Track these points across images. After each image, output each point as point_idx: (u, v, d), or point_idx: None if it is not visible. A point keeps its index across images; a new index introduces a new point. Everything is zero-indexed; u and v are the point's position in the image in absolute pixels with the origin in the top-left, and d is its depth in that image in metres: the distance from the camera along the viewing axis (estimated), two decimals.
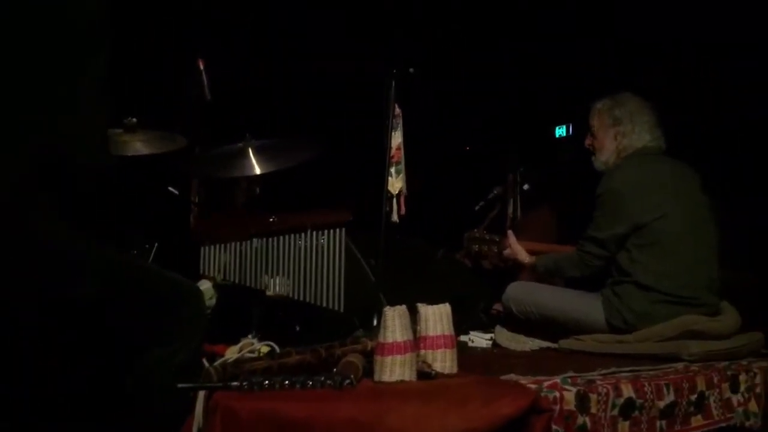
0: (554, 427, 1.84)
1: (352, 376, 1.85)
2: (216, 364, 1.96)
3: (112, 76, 1.68)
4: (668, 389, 2.12)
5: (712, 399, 2.24)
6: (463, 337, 3.06)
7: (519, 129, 4.69)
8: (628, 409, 2.01)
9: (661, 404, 2.09)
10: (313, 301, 2.81)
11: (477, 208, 4.16)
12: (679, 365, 2.41)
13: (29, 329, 1.66)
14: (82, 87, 1.59)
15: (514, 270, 3.42)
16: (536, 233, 3.71)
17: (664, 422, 2.09)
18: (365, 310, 2.88)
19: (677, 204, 2.77)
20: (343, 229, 2.82)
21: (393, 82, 2.95)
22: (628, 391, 2.03)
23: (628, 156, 2.91)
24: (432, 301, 2.18)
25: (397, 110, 2.96)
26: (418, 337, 2.09)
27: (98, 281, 1.70)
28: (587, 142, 3.05)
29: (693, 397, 2.19)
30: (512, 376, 2.07)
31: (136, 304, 1.80)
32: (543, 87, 4.58)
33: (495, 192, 4.12)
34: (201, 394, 1.82)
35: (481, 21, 4.49)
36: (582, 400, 1.93)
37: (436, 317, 2.10)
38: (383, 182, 2.92)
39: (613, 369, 2.24)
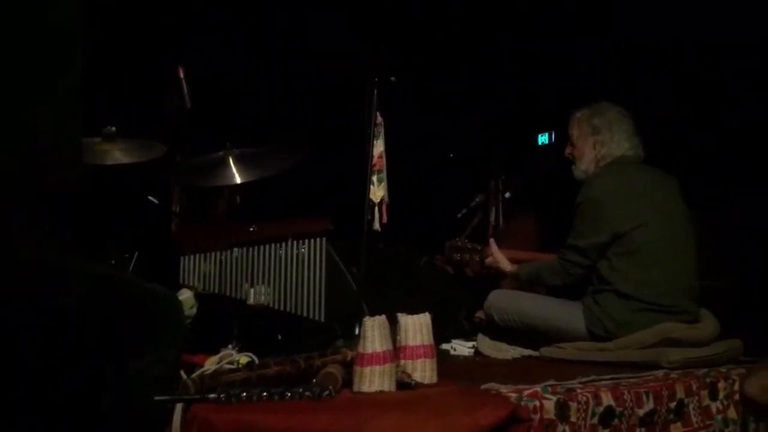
0: None
1: (331, 387, 1.84)
2: (194, 375, 1.94)
3: (91, 84, 1.67)
4: (647, 397, 2.13)
5: (691, 406, 2.25)
6: (445, 345, 3.07)
7: (501, 136, 4.70)
8: (607, 417, 2.02)
9: (641, 412, 2.10)
10: (294, 311, 2.80)
11: (459, 215, 4.16)
12: (659, 373, 2.42)
13: (3, 341, 1.64)
14: (55, 96, 1.57)
15: (496, 278, 3.43)
16: (518, 241, 3.72)
17: (643, 430, 2.09)
18: (347, 319, 2.87)
19: (656, 212, 2.79)
20: (324, 239, 2.81)
21: (374, 91, 2.95)
22: (607, 399, 2.04)
23: (607, 165, 2.93)
24: (414, 308, 2.17)
25: (379, 119, 2.97)
26: (397, 347, 2.08)
27: (74, 291, 1.68)
28: (567, 151, 3.07)
29: (672, 405, 2.19)
30: (493, 385, 2.07)
31: (112, 315, 1.78)
32: (527, 93, 4.60)
33: (477, 199, 4.12)
34: (178, 406, 1.81)
35: (464, 28, 4.50)
36: (562, 408, 1.93)
37: (416, 327, 2.09)
38: (365, 191, 2.92)
39: (592, 377, 2.24)
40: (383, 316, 2.00)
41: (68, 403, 1.72)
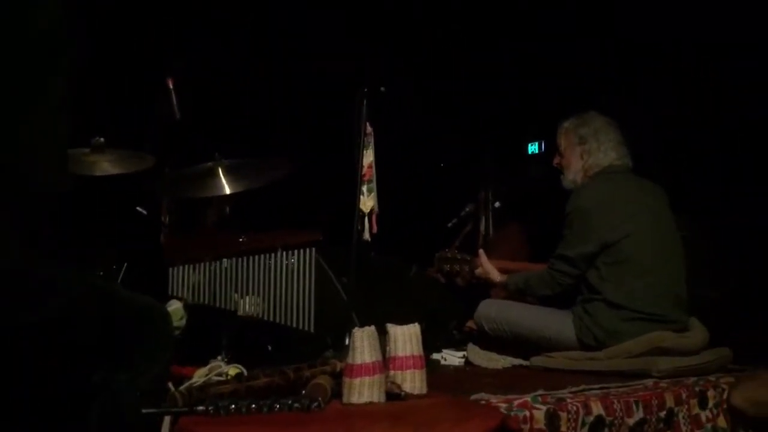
0: None
1: (320, 399, 1.84)
2: (182, 387, 1.93)
3: (80, 95, 1.66)
4: (637, 406, 2.14)
5: (681, 415, 2.26)
6: (435, 355, 3.06)
7: (491, 146, 4.71)
8: (597, 427, 2.02)
9: (631, 422, 2.10)
10: (283, 322, 2.79)
11: (450, 225, 4.17)
12: (649, 382, 2.43)
13: None
14: (40, 106, 1.56)
15: (486, 288, 3.43)
16: (508, 251, 3.72)
17: None
18: (337, 329, 2.86)
19: (644, 222, 2.80)
20: (314, 249, 2.81)
21: (364, 101, 2.95)
22: (597, 408, 2.04)
23: (595, 174, 2.94)
24: (405, 318, 2.17)
25: (369, 129, 2.97)
26: (387, 357, 2.08)
27: (58, 303, 1.66)
28: (555, 161, 3.09)
29: (662, 414, 2.20)
30: (483, 395, 2.07)
31: (99, 326, 1.77)
32: (516, 103, 4.61)
33: (467, 209, 4.13)
34: (166, 419, 1.79)
35: (455, 37, 4.51)
36: (552, 418, 1.93)
37: (406, 338, 2.09)
38: (355, 201, 2.92)
39: (582, 387, 2.25)
40: (372, 327, 1.99)
41: (51, 419, 1.70)
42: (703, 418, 2.32)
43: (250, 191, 3.06)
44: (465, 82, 4.61)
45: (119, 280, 2.98)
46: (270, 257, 2.82)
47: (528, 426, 1.87)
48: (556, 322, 2.86)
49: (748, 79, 3.51)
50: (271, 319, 2.81)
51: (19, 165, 1.54)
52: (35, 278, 1.64)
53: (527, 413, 1.89)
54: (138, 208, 3.16)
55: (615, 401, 2.09)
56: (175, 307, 2.84)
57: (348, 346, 2.04)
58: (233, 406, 1.78)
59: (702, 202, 3.47)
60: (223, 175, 3.02)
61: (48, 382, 1.66)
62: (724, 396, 2.38)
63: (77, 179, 2.80)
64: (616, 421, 2.06)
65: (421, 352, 2.11)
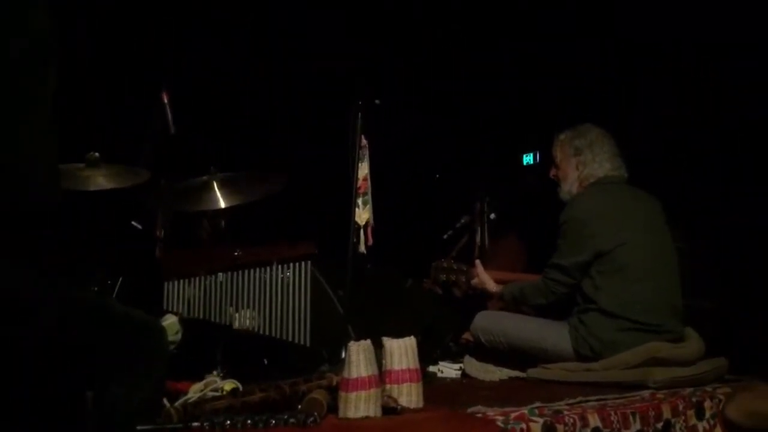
0: None
1: (316, 414, 1.83)
2: (177, 403, 1.92)
3: (74, 110, 1.66)
4: (634, 418, 2.13)
5: (678, 426, 2.25)
6: (432, 368, 3.06)
7: (487, 156, 4.72)
8: None
9: None
10: (279, 336, 2.79)
11: (445, 236, 4.17)
12: (645, 393, 2.43)
13: None
14: (28, 121, 1.56)
15: (483, 298, 3.43)
16: (504, 262, 3.72)
17: None
18: (333, 342, 2.85)
19: (639, 232, 2.81)
20: (309, 263, 2.81)
21: (359, 113, 2.96)
22: (594, 420, 2.03)
23: (590, 185, 2.95)
24: (401, 330, 2.16)
25: (364, 141, 2.97)
26: (383, 371, 2.07)
27: (50, 318, 1.65)
28: (552, 173, 3.10)
29: (659, 425, 2.19)
30: (479, 408, 2.06)
31: (92, 342, 1.76)
32: (512, 113, 4.61)
33: (463, 221, 4.13)
34: None
35: (451, 46, 4.51)
36: (549, 431, 1.92)
37: (402, 351, 2.08)
38: (350, 213, 2.92)
39: (579, 398, 2.24)
40: (368, 341, 1.99)
41: None
42: (701, 429, 2.31)
43: (246, 204, 3.06)
44: (459, 94, 4.61)
45: (114, 295, 2.97)
46: (265, 271, 2.83)
47: None
48: (553, 334, 2.86)
49: (748, 79, 3.50)
50: (267, 332, 2.81)
51: (8, 180, 1.53)
52: (26, 294, 1.64)
53: (524, 426, 1.88)
54: (133, 223, 3.15)
55: (612, 413, 2.08)
56: (170, 321, 2.82)
57: (344, 359, 2.04)
58: (229, 421, 1.77)
59: (702, 202, 3.47)
60: (218, 188, 3.03)
61: (41, 398, 1.65)
62: (721, 406, 2.38)
63: (72, 194, 2.79)
64: None
65: (417, 366, 2.11)
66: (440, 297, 3.74)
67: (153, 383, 1.83)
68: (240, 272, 2.83)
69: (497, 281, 3.13)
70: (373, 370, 1.96)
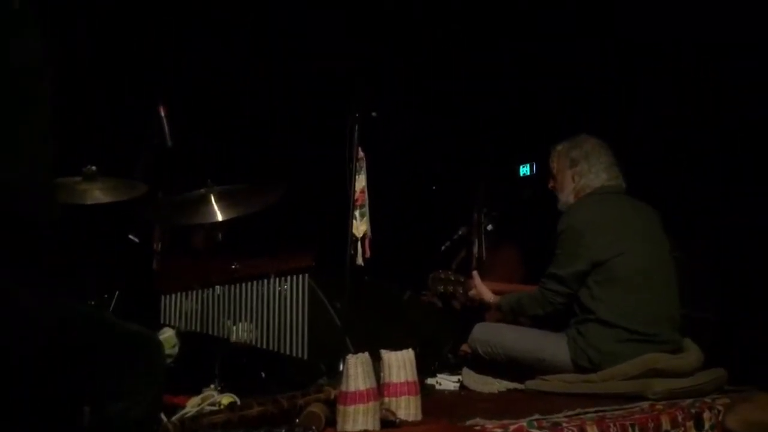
0: None
1: (314, 427, 1.82)
2: (174, 418, 1.91)
3: (71, 123, 1.66)
4: (633, 429, 2.12)
5: None
6: (430, 380, 3.04)
7: (484, 167, 4.72)
8: None
9: None
10: (276, 349, 2.78)
11: (443, 248, 4.16)
12: (644, 404, 2.42)
13: None
14: (23, 136, 1.55)
15: (482, 309, 3.42)
16: (502, 273, 3.72)
17: None
18: (331, 355, 2.85)
19: (636, 242, 2.81)
20: (306, 275, 2.81)
21: (356, 125, 2.97)
22: None
23: (587, 195, 2.95)
24: (399, 343, 2.16)
25: (361, 153, 2.98)
26: (381, 384, 2.06)
27: (47, 333, 1.65)
28: (550, 184, 3.11)
29: None
30: (478, 420, 2.05)
31: (88, 357, 1.75)
32: (508, 123, 4.62)
33: (460, 232, 4.12)
34: None
35: (448, 50, 4.52)
36: None
37: (400, 364, 2.08)
38: (348, 225, 2.92)
39: (578, 410, 2.24)
40: (366, 354, 1.98)
41: None
42: None
43: (243, 217, 3.05)
44: (456, 107, 4.62)
45: (111, 308, 2.96)
46: (263, 284, 2.82)
47: None
48: (551, 345, 2.85)
49: (748, 79, 3.50)
50: (264, 346, 2.80)
51: (3, 194, 1.53)
52: (22, 307, 1.63)
53: None
54: (130, 236, 3.15)
55: (611, 425, 2.08)
56: (167, 334, 2.82)
57: (342, 372, 2.03)
58: None
59: (702, 202, 3.46)
60: (216, 201, 3.02)
61: (37, 413, 1.64)
62: (720, 417, 2.37)
63: (69, 208, 2.79)
64: None
65: (416, 378, 2.10)
66: (439, 309, 3.74)
67: (150, 398, 1.82)
68: (237, 285, 2.83)
69: (495, 292, 3.13)
70: (371, 383, 1.95)
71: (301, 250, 2.93)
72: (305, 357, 2.77)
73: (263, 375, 3.08)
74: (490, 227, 4.04)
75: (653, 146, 3.75)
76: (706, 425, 2.33)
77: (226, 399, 2.17)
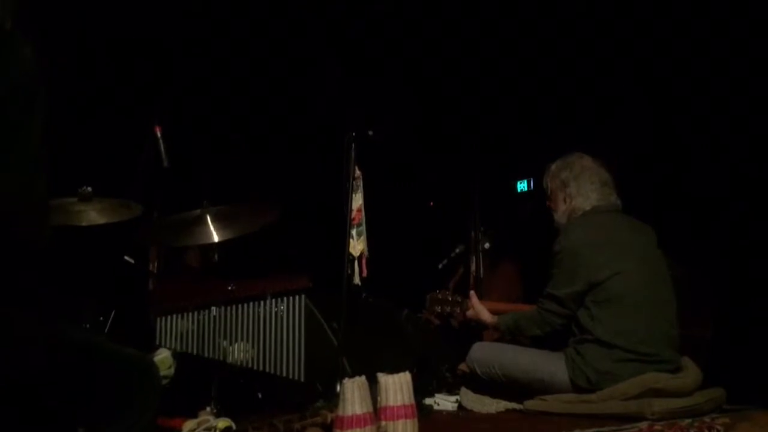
0: None
1: None
2: None
3: (67, 144, 1.66)
4: None
5: None
6: (428, 400, 3.02)
7: (480, 184, 4.72)
8: None
9: None
10: (273, 371, 2.76)
11: (440, 266, 4.16)
12: (643, 425, 2.40)
13: None
14: (15, 160, 1.55)
15: (480, 329, 3.41)
16: (500, 290, 3.71)
17: None
18: (328, 375, 2.83)
19: (632, 261, 2.80)
20: (303, 296, 2.80)
21: (352, 145, 2.97)
22: None
23: (581, 215, 2.94)
24: (397, 362, 2.15)
25: (358, 172, 2.98)
26: (378, 407, 2.05)
27: (40, 359, 1.63)
28: (547, 203, 3.10)
29: None
30: None
31: (81, 380, 1.74)
32: (504, 140, 4.62)
33: (458, 250, 4.12)
34: None
35: (443, 74, 4.54)
36: None
37: (397, 387, 2.06)
38: (345, 245, 2.91)
39: (576, 431, 2.22)
40: (363, 377, 1.97)
41: None
42: None
43: (239, 237, 3.05)
44: (454, 123, 4.63)
45: (106, 330, 2.95)
46: (259, 305, 2.81)
47: None
48: (549, 365, 2.83)
49: (749, 82, 3.51)
50: (261, 368, 2.78)
51: None
52: (16, 332, 1.62)
53: None
54: (126, 257, 3.14)
55: None
56: (163, 356, 2.81)
57: (339, 395, 2.02)
58: None
59: (698, 220, 3.46)
60: (212, 222, 3.02)
61: None
62: None
63: (64, 229, 2.78)
64: None
65: (413, 401, 2.09)
66: (437, 328, 3.73)
67: (144, 422, 1.81)
68: (234, 306, 2.81)
69: (493, 312, 3.12)
70: (367, 407, 1.94)
71: (297, 271, 2.92)
72: (302, 378, 2.75)
73: (260, 396, 3.06)
74: (487, 245, 4.04)
75: (653, 147, 3.74)
76: None
77: (222, 423, 2.16)
